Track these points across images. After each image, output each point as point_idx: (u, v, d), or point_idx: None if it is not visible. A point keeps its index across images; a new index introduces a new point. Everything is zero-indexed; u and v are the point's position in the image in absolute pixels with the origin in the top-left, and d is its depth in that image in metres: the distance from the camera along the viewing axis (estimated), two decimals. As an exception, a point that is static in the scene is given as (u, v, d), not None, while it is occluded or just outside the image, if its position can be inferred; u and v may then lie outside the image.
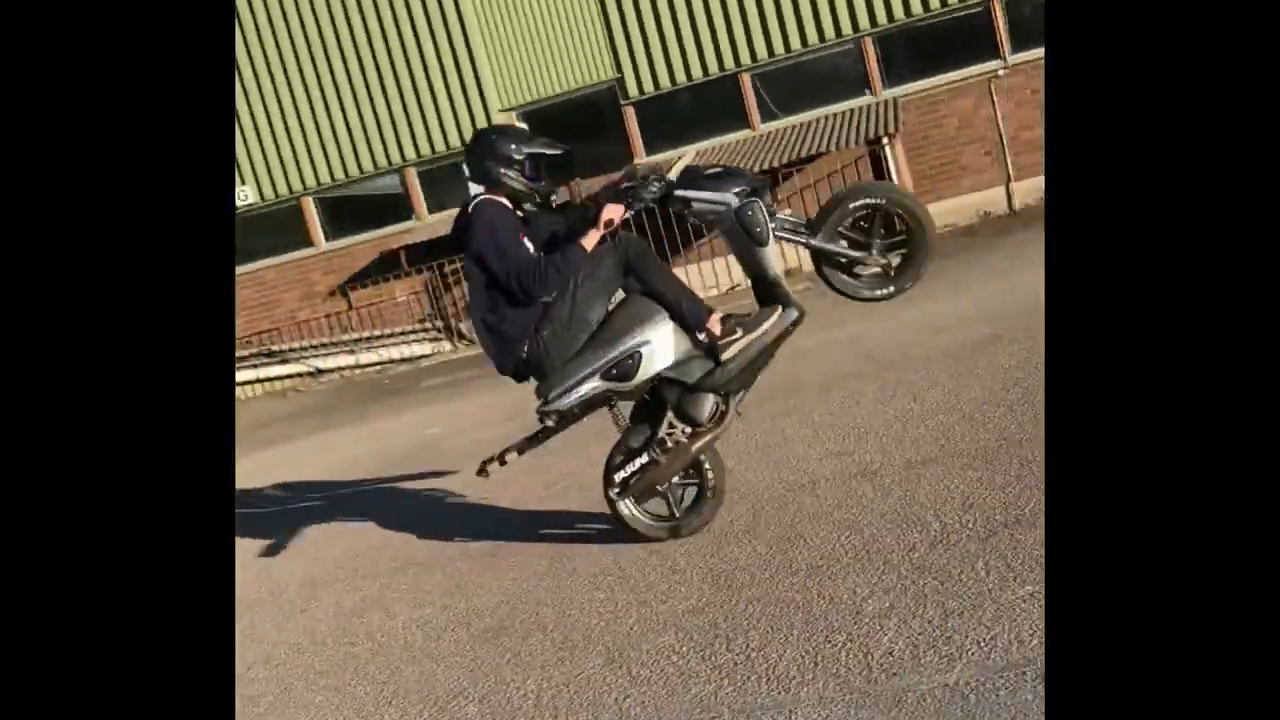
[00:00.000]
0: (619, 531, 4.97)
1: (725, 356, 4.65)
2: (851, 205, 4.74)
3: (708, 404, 4.76)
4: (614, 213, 4.65)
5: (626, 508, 4.86)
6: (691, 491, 4.95)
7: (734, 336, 4.63)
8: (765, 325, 4.66)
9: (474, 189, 4.95)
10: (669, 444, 4.76)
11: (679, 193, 4.70)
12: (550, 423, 4.85)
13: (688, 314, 4.66)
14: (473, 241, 4.64)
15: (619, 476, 4.78)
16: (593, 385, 4.66)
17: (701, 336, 4.67)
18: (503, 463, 5.11)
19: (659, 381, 4.71)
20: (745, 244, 4.68)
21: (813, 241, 4.77)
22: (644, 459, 4.76)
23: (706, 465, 4.86)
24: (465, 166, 5.05)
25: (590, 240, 4.60)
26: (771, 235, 4.68)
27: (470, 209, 4.75)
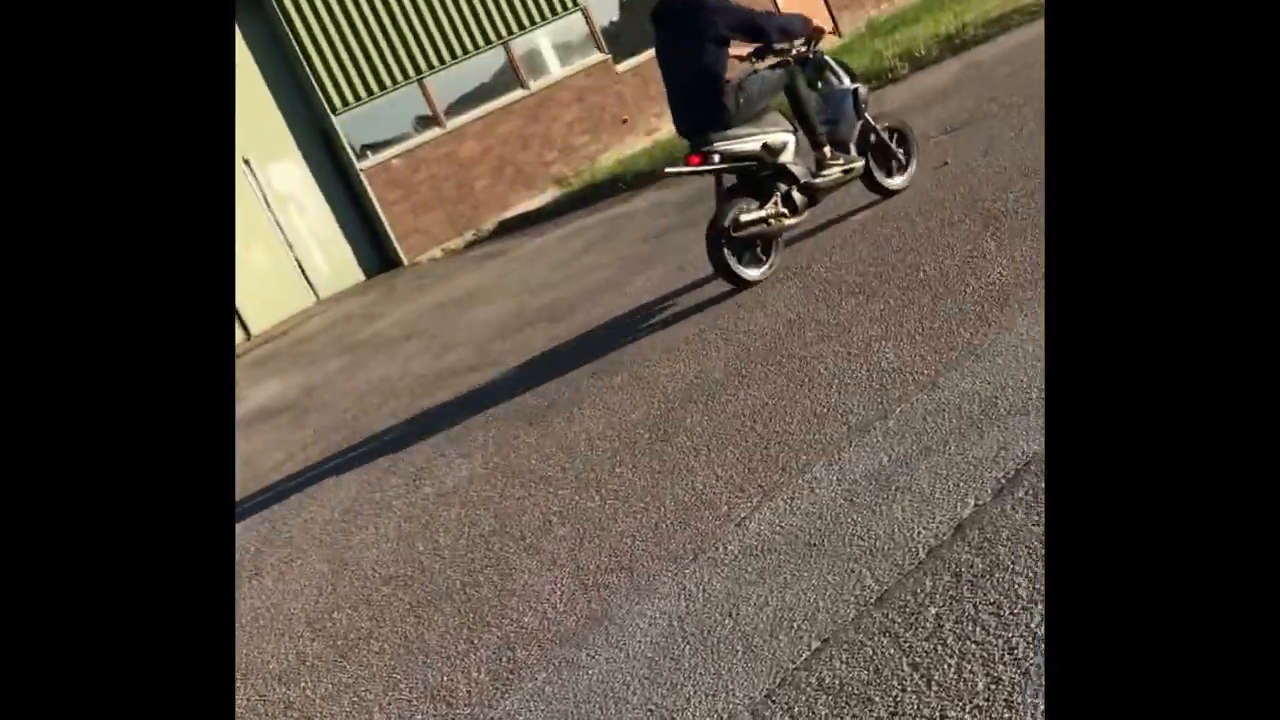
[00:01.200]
0: (721, 275, 6.43)
1: (825, 172, 6.60)
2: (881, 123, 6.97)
3: (801, 200, 6.57)
4: (824, 28, 6.75)
5: (730, 256, 6.33)
6: (759, 248, 6.61)
7: (836, 162, 6.62)
8: (854, 165, 6.71)
9: None
10: (780, 213, 6.44)
11: (828, 58, 6.87)
12: (716, 158, 6.35)
13: (818, 135, 6.60)
14: (719, 14, 6.28)
15: (745, 218, 6.30)
16: (753, 147, 6.37)
17: (816, 154, 6.61)
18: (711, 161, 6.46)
19: (781, 170, 6.47)
20: (851, 111, 6.72)
21: (875, 123, 6.87)
22: (764, 214, 6.36)
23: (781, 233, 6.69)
24: None
25: (812, 24, 6.65)
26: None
27: None
